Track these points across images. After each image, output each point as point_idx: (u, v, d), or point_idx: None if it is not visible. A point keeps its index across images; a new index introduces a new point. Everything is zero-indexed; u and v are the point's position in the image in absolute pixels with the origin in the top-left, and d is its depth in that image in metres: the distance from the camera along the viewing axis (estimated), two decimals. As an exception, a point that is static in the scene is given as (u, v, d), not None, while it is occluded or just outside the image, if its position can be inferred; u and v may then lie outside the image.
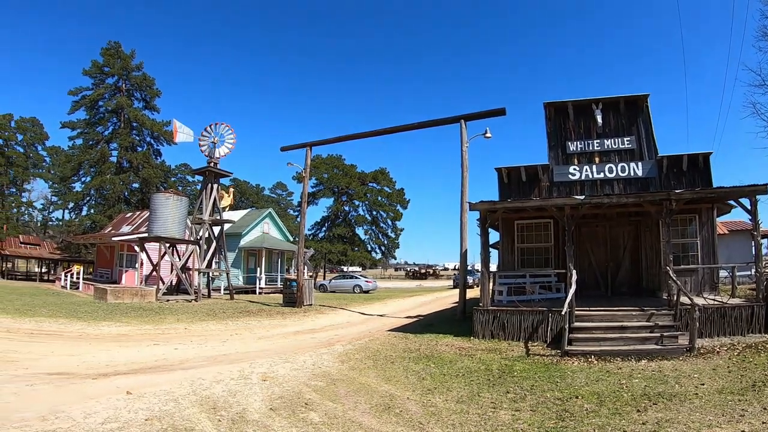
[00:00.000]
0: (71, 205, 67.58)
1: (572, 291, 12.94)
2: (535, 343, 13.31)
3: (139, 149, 65.36)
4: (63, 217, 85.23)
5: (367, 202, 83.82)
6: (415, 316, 22.29)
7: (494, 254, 22.16)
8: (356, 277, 45.91)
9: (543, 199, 15.74)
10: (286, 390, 8.88)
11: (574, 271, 13.70)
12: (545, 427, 6.80)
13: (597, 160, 18.93)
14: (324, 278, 60.16)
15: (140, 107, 66.28)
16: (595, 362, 10.93)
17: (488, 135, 22.21)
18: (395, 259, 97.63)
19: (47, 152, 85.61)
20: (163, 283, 30.31)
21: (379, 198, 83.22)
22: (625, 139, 18.92)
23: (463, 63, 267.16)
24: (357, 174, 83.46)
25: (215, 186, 33.06)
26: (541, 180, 19.41)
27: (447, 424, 7.09)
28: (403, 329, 17.13)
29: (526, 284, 17.20)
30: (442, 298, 35.86)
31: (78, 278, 39.01)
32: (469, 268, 23.52)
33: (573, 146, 19.35)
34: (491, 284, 16.05)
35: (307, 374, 10.23)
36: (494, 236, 20.34)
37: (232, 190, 43.75)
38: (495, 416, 7.37)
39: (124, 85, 65.66)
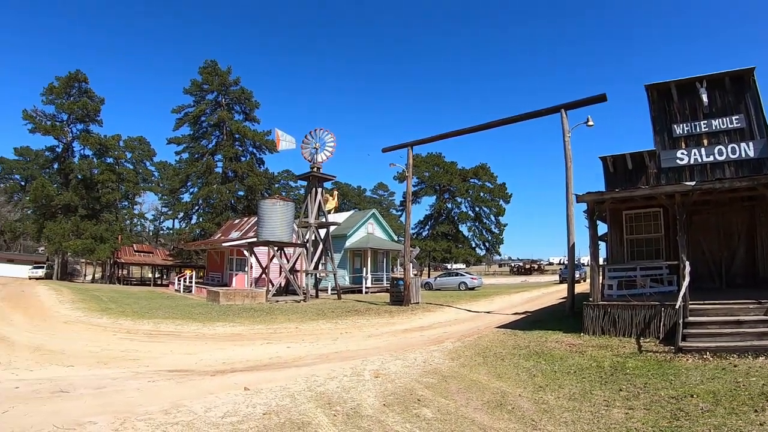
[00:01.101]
0: (181, 214, 71.22)
1: (686, 283, 12.36)
2: (647, 339, 12.79)
3: (243, 159, 68.11)
4: (173, 225, 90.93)
5: (469, 199, 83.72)
6: (522, 313, 21.93)
7: (602, 247, 21.51)
8: (461, 275, 45.42)
9: (651, 187, 14.91)
10: (398, 386, 8.99)
11: (687, 263, 13.00)
12: (659, 427, 6.71)
13: (705, 142, 17.82)
14: (429, 276, 60.09)
15: (241, 119, 69.27)
16: (710, 359, 10.41)
17: (590, 123, 21.04)
18: (499, 255, 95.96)
19: (155, 167, 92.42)
20: (273, 284, 31.27)
21: (481, 194, 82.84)
22: (734, 117, 17.44)
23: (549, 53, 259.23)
24: (458, 171, 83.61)
25: (319, 190, 33.95)
26: (648, 167, 18.53)
27: (559, 421, 7.09)
28: (511, 326, 16.95)
29: (637, 277, 16.31)
30: (548, 293, 35.08)
31: (190, 282, 41.10)
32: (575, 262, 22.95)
33: (679, 129, 18.22)
34: (600, 278, 15.40)
35: (418, 371, 10.33)
36: (602, 228, 19.77)
37: (336, 193, 44.56)
38: (608, 414, 7.31)
39: (223, 99, 68.73)
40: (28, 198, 66.30)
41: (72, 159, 68.41)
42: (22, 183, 72.24)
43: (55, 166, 69.51)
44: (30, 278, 57.76)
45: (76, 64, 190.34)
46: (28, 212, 71.01)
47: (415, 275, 33.13)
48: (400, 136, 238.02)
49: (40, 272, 64.35)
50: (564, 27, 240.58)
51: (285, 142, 35.93)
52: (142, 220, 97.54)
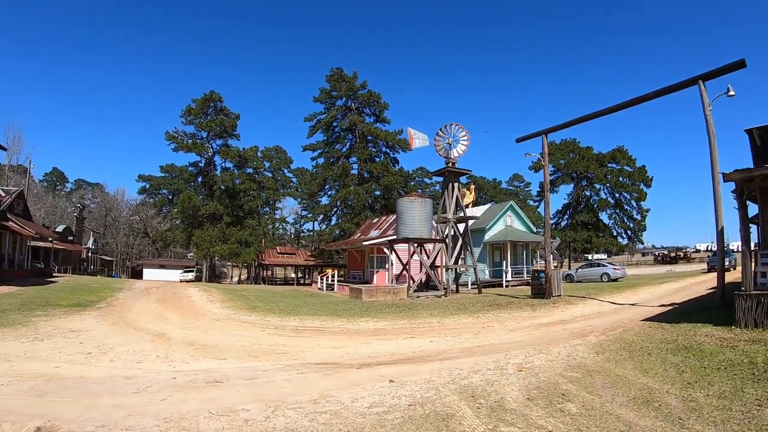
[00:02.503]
0: (320, 216, 74.85)
1: None
2: (807, 333, 11.41)
3: (377, 159, 70.00)
4: (313, 227, 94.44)
5: (608, 185, 79.93)
6: (668, 304, 20.59)
7: (753, 230, 19.49)
8: (603, 265, 43.48)
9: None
10: (542, 381, 8.82)
11: None
12: (821, 431, 6.10)
13: None
14: (569, 268, 58.27)
15: (371, 122, 71.21)
16: None
17: (731, 93, 18.63)
18: (642, 243, 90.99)
19: (293, 173, 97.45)
20: (413, 281, 31.58)
21: (620, 178, 78.79)
22: None
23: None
24: (594, 156, 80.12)
25: (456, 185, 33.77)
26: (800, 137, 16.64)
27: (708, 421, 6.66)
28: (657, 318, 15.90)
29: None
30: (696, 283, 32.70)
31: (333, 281, 42.42)
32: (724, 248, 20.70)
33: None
34: (753, 265, 13.68)
35: (562, 365, 10.07)
36: (752, 210, 17.85)
37: (473, 187, 44.03)
38: (760, 415, 6.73)
39: (352, 104, 71.01)
40: (176, 209, 71.83)
41: (214, 172, 74.27)
42: (170, 197, 77.91)
43: (200, 179, 75.67)
44: (181, 281, 62.79)
45: (212, 85, 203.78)
46: (177, 222, 76.78)
47: (556, 267, 32.31)
48: (530, 125, 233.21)
49: (190, 275, 70.42)
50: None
51: (418, 139, 35.96)
52: (284, 224, 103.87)
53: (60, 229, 67.10)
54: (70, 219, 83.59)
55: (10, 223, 41.17)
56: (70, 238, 69.77)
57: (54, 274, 49.52)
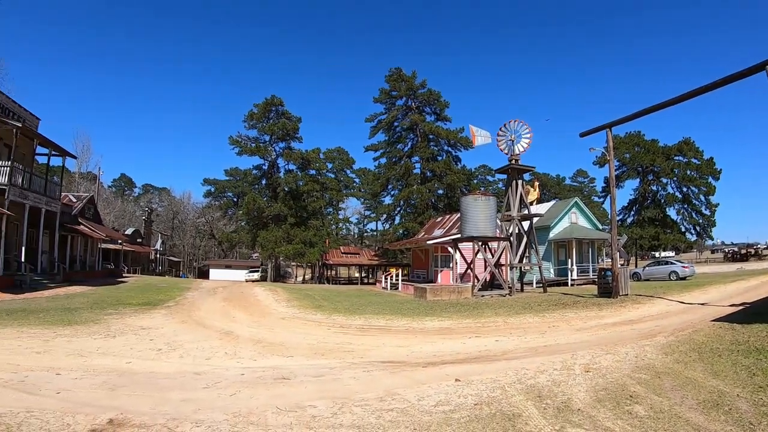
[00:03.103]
0: (384, 216, 75.42)
1: None
2: None
3: (439, 158, 69.70)
4: (377, 227, 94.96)
5: (675, 179, 77.30)
6: (740, 304, 19.78)
7: None
8: (671, 263, 42.15)
9: None
10: (609, 381, 8.69)
11: None
12: None
13: None
14: (636, 266, 56.77)
15: (432, 120, 70.87)
16: None
17: None
18: (711, 239, 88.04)
19: (355, 174, 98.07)
20: (478, 279, 31.36)
21: (688, 172, 75.75)
22: None
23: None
24: (660, 149, 77.56)
25: (519, 182, 33.45)
26: None
27: None
28: (728, 319, 15.21)
29: None
30: (768, 282, 31.41)
31: (396, 280, 42.34)
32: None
33: None
34: None
35: (629, 366, 9.84)
36: None
37: (537, 184, 43.51)
38: None
39: (413, 103, 71.06)
40: (241, 211, 73.80)
41: (278, 174, 75.78)
42: (235, 199, 80.00)
43: (264, 181, 77.28)
44: (246, 281, 64.01)
45: (272, 90, 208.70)
46: (242, 224, 78.66)
47: (623, 265, 31.43)
48: (593, 119, 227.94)
49: (256, 275, 72.63)
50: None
51: (480, 137, 35.67)
52: (347, 224, 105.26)
53: (129, 231, 70.06)
54: (138, 222, 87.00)
55: (81, 226, 43.54)
56: (139, 240, 72.66)
57: (124, 275, 51.69)
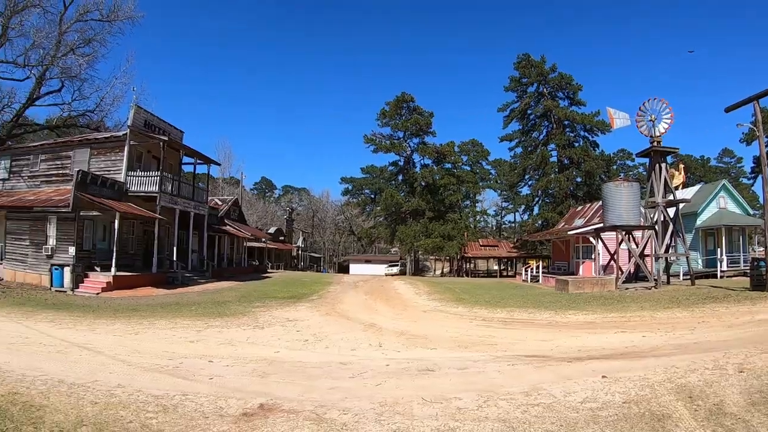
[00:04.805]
0: (522, 207, 75.59)
1: None
2: None
3: (576, 144, 68.07)
4: (515, 219, 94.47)
5: (833, 154, 69.81)
6: None
7: None
8: (838, 252, 38.48)
9: None
10: (764, 384, 8.03)
11: None
12: None
13: None
14: (792, 255, 52.28)
15: (566, 105, 69.40)
16: None
17: None
18: None
19: (491, 165, 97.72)
20: (621, 271, 30.46)
21: None
22: None
23: None
24: (817, 120, 70.46)
25: (663, 165, 31.87)
26: None
27: None
28: None
29: None
30: None
31: (537, 272, 41.98)
32: None
33: None
34: None
35: None
36: None
37: (681, 166, 41.09)
38: None
39: (545, 89, 69.93)
40: (379, 207, 75.88)
41: (414, 169, 77.44)
42: (372, 196, 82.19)
43: (400, 177, 79.27)
44: (386, 275, 66.29)
45: (402, 87, 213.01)
46: (381, 219, 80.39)
47: (775, 254, 29.06)
48: (738, 92, 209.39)
49: (395, 269, 75.16)
50: None
51: (619, 119, 34.34)
52: (485, 216, 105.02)
53: (272, 230, 75.00)
54: (280, 221, 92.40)
55: (228, 227, 47.98)
56: (281, 238, 77.28)
57: (268, 271, 55.93)
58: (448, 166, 78.44)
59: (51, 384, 8.17)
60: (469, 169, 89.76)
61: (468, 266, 79.29)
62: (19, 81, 42.29)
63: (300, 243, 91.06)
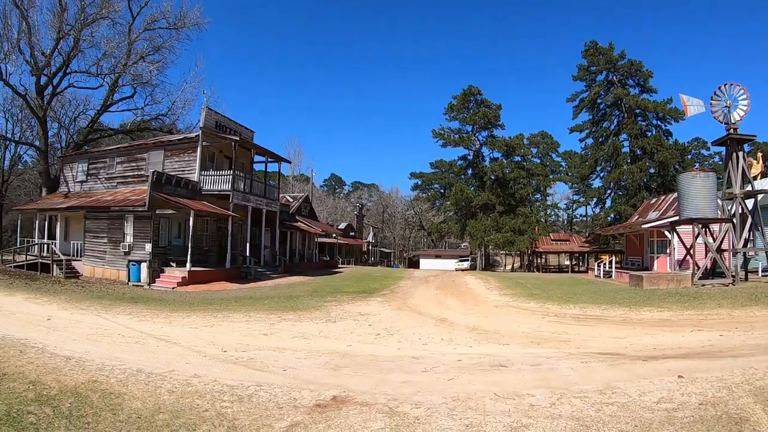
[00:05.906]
0: (594, 200, 74.16)
1: None
2: None
3: (648, 134, 66.17)
4: (586, 212, 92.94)
5: None
6: None
7: None
8: None
9: None
10: None
11: None
12: None
13: None
14: None
15: (637, 93, 67.43)
16: None
17: None
18: None
19: (561, 157, 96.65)
20: (698, 267, 29.61)
21: None
22: None
23: None
24: None
25: (740, 154, 30.77)
26: None
27: None
28: None
29: None
30: None
31: (610, 267, 41.29)
32: None
33: None
34: None
35: None
36: None
37: (760, 155, 39.49)
38: None
39: (614, 77, 68.39)
40: (449, 202, 76.23)
41: (483, 163, 77.72)
42: (441, 191, 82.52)
43: (469, 171, 79.77)
44: (456, 270, 66.48)
45: (469, 80, 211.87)
46: (450, 214, 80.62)
47: None
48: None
49: (465, 264, 75.05)
50: None
51: (693, 106, 33.11)
52: (556, 210, 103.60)
53: (342, 226, 76.28)
54: (350, 217, 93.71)
55: (299, 223, 49.61)
56: (352, 233, 78.58)
57: (339, 266, 57.09)
58: (518, 158, 78.06)
59: (129, 373, 8.66)
60: (539, 161, 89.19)
61: (539, 261, 78.79)
62: (93, 89, 45.17)
63: (370, 238, 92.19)
